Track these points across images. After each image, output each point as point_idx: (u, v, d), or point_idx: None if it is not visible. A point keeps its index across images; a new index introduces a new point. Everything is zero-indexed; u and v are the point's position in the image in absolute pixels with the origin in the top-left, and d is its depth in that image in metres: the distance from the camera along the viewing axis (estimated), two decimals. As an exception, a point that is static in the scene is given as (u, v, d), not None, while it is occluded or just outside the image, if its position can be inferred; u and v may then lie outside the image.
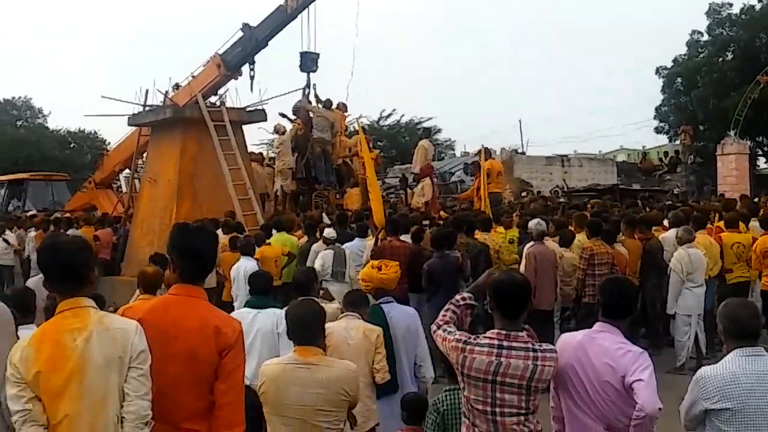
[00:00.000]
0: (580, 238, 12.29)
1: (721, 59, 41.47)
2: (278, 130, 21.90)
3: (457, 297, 4.96)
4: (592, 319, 10.74)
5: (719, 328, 4.75)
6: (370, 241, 13.23)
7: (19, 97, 57.60)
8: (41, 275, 9.44)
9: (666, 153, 35.35)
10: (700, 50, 43.09)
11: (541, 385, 4.53)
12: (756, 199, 21.44)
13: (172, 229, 4.63)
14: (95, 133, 55.89)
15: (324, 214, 17.67)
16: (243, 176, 18.38)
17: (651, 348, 11.58)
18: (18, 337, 4.37)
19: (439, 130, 52.55)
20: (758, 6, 40.89)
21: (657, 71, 44.55)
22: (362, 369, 5.73)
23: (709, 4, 42.34)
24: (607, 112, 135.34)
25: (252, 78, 19.36)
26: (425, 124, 48.35)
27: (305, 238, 14.31)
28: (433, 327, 4.84)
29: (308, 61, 21.04)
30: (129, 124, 21.17)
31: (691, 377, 4.75)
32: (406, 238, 12.67)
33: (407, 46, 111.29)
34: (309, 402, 4.79)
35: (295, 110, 22.43)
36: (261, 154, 24.94)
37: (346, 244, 13.05)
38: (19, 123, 55.86)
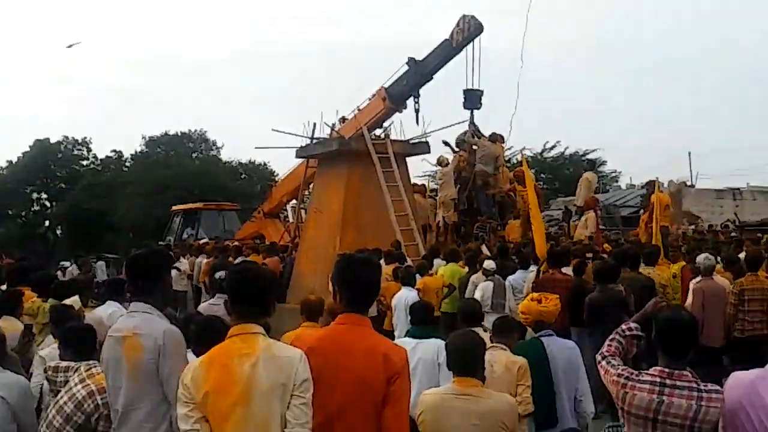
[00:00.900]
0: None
1: None
2: (441, 162, 22.06)
3: (623, 327, 4.88)
4: (742, 353, 10.48)
5: None
6: (531, 274, 13.15)
7: (195, 131, 60.14)
8: (211, 301, 9.84)
9: None
10: None
11: (705, 426, 4.39)
12: None
13: (339, 259, 4.75)
14: (265, 164, 57.65)
15: (483, 246, 17.68)
16: (406, 207, 18.59)
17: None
18: (188, 361, 4.62)
19: (603, 162, 51.71)
20: None
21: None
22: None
23: None
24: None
25: (417, 111, 19.59)
26: (590, 156, 47.65)
27: (465, 269, 14.37)
28: (598, 357, 4.78)
29: (472, 99, 21.16)
30: (297, 156, 21.78)
31: None
32: (568, 270, 12.54)
33: (573, 77, 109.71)
34: (467, 433, 4.82)
35: (459, 142, 22.56)
36: (423, 185, 25.16)
37: (509, 277, 13.01)
38: (194, 155, 58.17)
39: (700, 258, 11.67)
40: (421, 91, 19.60)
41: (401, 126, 20.33)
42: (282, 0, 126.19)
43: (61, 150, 57.14)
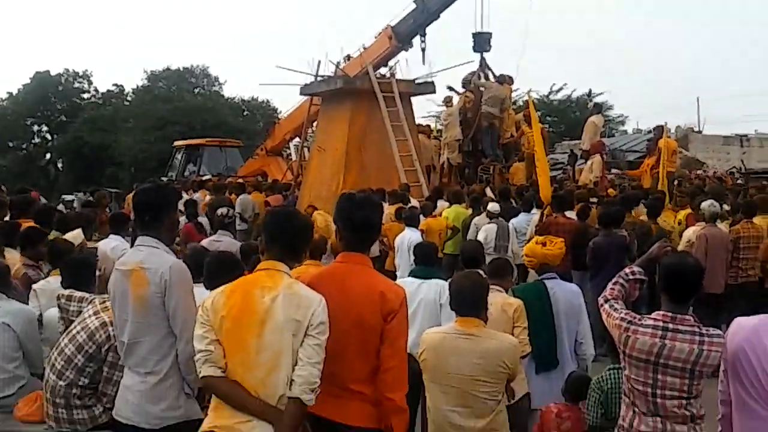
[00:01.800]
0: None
1: None
2: (447, 103, 21.94)
3: (627, 270, 4.87)
4: (736, 299, 10.55)
5: None
6: (534, 217, 13.15)
7: (197, 66, 59.56)
8: (213, 237, 9.84)
9: None
10: None
11: (706, 370, 4.42)
12: None
13: (339, 199, 4.75)
14: (268, 101, 57.27)
15: (488, 188, 17.66)
16: (410, 148, 18.56)
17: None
18: (193, 295, 4.65)
19: (610, 106, 51.41)
20: None
21: None
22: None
23: None
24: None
25: (423, 50, 19.52)
26: (597, 99, 47.30)
27: (469, 211, 14.37)
28: (600, 300, 4.78)
29: (481, 42, 21.03)
30: (301, 94, 21.71)
31: None
32: (571, 214, 12.54)
33: (582, 18, 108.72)
34: (468, 372, 4.84)
35: (465, 83, 22.40)
36: (428, 126, 25.06)
37: (512, 220, 13.02)
38: (196, 90, 57.72)
39: (705, 204, 11.65)
40: (428, 30, 19.46)
41: (407, 66, 20.24)
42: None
43: (61, 82, 56.61)
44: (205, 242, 9.78)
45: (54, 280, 6.83)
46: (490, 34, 20.78)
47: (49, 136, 57.60)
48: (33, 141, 58.02)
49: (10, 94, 57.14)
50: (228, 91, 59.07)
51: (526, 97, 23.83)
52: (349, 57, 20.74)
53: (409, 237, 11.53)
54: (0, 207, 10.27)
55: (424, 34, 19.38)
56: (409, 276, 7.34)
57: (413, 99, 20.36)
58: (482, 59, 21.73)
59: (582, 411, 5.83)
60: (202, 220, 13.55)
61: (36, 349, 6.23)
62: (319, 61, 20.80)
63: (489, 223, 12.76)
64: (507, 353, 4.93)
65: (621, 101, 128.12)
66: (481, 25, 20.41)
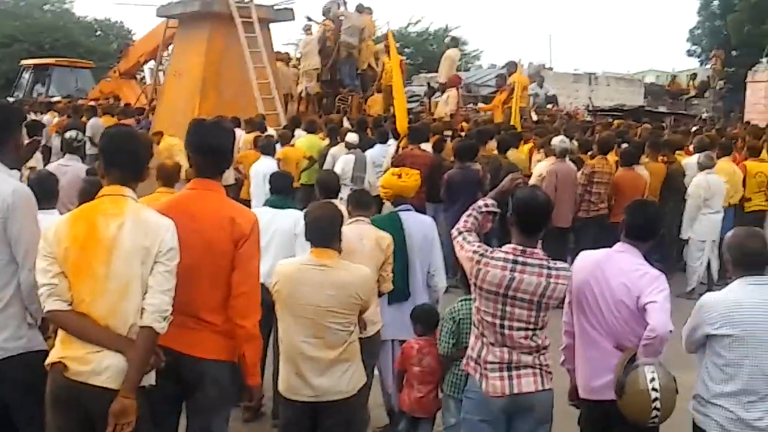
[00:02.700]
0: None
1: (760, -17, 40.46)
2: (307, 31, 21.73)
3: (480, 203, 4.91)
4: (586, 233, 11.00)
5: (725, 257, 4.76)
6: (390, 148, 13.21)
7: (47, -19, 57.05)
8: (61, 161, 9.51)
9: (695, 76, 34.79)
10: (739, -28, 42.03)
11: (552, 302, 4.56)
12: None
13: (189, 124, 4.65)
14: (121, 22, 55.45)
15: (345, 119, 17.64)
16: (268, 75, 18.34)
17: (663, 271, 11.65)
18: (37, 221, 4.44)
19: (466, 42, 51.88)
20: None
21: (693, -8, 43.71)
22: (372, 275, 5.75)
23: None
24: (637, 32, 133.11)
25: (283, -25, 19.14)
26: (453, 33, 47.72)
27: (326, 141, 14.33)
28: (454, 232, 4.82)
29: None
30: (157, 15, 21.06)
31: (699, 302, 4.77)
32: (427, 147, 12.66)
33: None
34: (321, 303, 4.83)
35: (325, 12, 22.20)
36: (287, 53, 24.76)
37: (368, 151, 13.04)
38: (45, 7, 55.33)
39: (556, 140, 11.94)
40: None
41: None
42: None
43: None
44: (52, 166, 9.43)
45: None
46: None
47: None
48: None
49: None
50: (80, 10, 56.89)
51: (386, 29, 23.77)
52: (207, -22, 20.23)
53: (264, 166, 11.39)
54: None
55: (284, -42, 19.06)
56: (264, 206, 7.26)
57: (272, 26, 20.03)
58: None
59: (439, 344, 5.95)
60: (55, 142, 13.02)
61: None
62: (177, -19, 20.25)
63: (347, 154, 12.75)
64: (360, 285, 4.94)
65: (477, 36, 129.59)
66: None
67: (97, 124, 16.96)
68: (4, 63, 41.30)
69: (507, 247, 4.58)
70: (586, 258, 4.95)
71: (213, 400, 4.40)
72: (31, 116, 19.18)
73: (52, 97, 25.98)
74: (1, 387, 4.42)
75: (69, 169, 8.78)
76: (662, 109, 29.29)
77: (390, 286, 6.13)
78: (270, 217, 6.68)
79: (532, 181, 11.51)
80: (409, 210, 6.82)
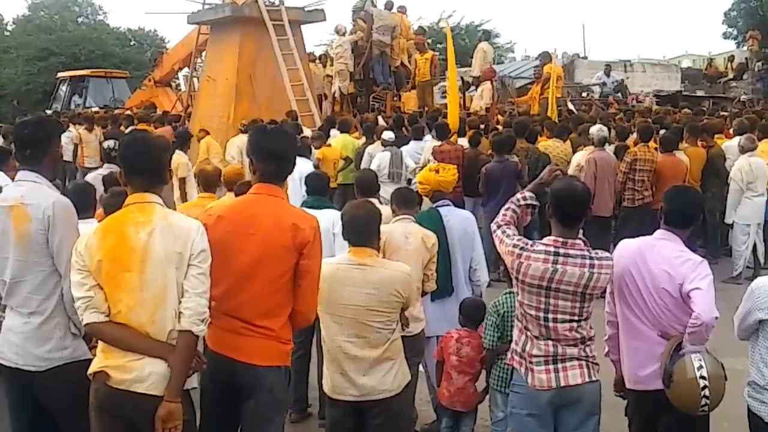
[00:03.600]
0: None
1: (796, -39, 39.81)
2: (339, 31, 21.75)
3: (518, 196, 4.89)
4: (632, 222, 10.89)
5: None
6: (426, 144, 13.19)
7: (80, -6, 57.55)
8: (99, 171, 9.62)
9: (732, 58, 34.37)
10: (774, -49, 41.38)
11: (596, 292, 4.52)
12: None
13: (251, 131, 4.71)
14: (155, 31, 55.80)
15: (380, 117, 17.64)
16: (301, 77, 18.36)
17: (708, 257, 11.53)
18: (78, 232, 4.47)
19: (498, 34, 51.67)
20: None
21: (728, -26, 43.11)
22: (417, 273, 5.73)
23: None
24: (671, 17, 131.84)
25: (313, -23, 19.17)
26: (485, 26, 47.52)
27: (362, 140, 14.34)
28: (493, 226, 4.80)
29: None
30: (188, 23, 21.20)
31: (747, 287, 4.70)
32: (463, 141, 12.64)
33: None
34: (361, 302, 4.82)
35: (356, 10, 22.21)
36: (323, 54, 24.77)
37: (403, 148, 13.03)
38: (80, 20, 55.84)
39: (593, 129, 11.85)
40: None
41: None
42: None
43: (-64, 11, 54.14)
44: (90, 177, 9.52)
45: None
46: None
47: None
48: None
49: None
50: (113, 21, 57.43)
51: (417, 25, 23.79)
52: (237, -16, 20.33)
53: (299, 168, 11.34)
54: None
55: (313, -39, 19.10)
56: (301, 206, 7.26)
57: (304, 27, 20.08)
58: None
59: (481, 336, 5.94)
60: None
61: None
62: (207, -11, 20.39)
63: (383, 151, 12.75)
64: (400, 282, 4.93)
65: (510, 29, 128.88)
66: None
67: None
68: (41, 76, 41.74)
69: (548, 240, 4.54)
70: (627, 247, 4.89)
71: (268, 408, 4.41)
72: (71, 129, 19.39)
73: (89, 107, 26.19)
74: (47, 397, 4.49)
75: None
76: (700, 93, 28.93)
77: (434, 285, 6.10)
78: (309, 219, 6.67)
79: (571, 170, 11.44)
80: (448, 205, 6.80)
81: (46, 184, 4.55)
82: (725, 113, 19.24)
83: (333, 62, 21.77)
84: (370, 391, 4.91)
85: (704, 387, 4.41)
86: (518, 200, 4.84)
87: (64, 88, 30.03)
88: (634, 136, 12.60)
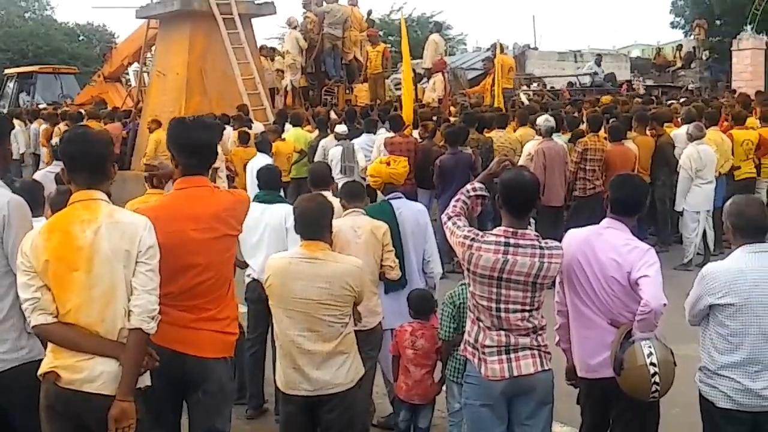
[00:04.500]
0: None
1: (740, -50, 40.31)
2: (291, 23, 21.68)
3: (468, 187, 4.90)
4: (583, 211, 10.98)
5: (725, 225, 4.74)
6: (378, 137, 13.19)
7: (26, -11, 56.77)
8: (48, 169, 9.48)
9: (680, 47, 34.74)
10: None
11: (547, 281, 4.55)
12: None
13: (170, 124, 4.65)
14: (104, 26, 55.28)
15: (332, 110, 17.62)
16: (252, 70, 18.27)
17: (659, 244, 11.71)
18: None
19: (449, 26, 51.76)
20: None
21: (674, -38, 43.52)
22: (369, 266, 5.74)
23: None
24: (620, 7, 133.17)
25: (261, -31, 19.05)
26: (436, 18, 47.58)
27: (315, 133, 14.31)
28: (444, 218, 4.81)
29: None
30: (137, 17, 20.96)
31: (697, 273, 4.76)
32: (416, 133, 12.67)
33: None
34: (313, 296, 4.81)
35: (306, 4, 22.16)
36: (273, 48, 24.65)
37: (354, 140, 13.02)
38: (26, 15, 55.11)
39: (540, 120, 11.93)
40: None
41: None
42: None
43: None
44: (39, 174, 9.40)
45: None
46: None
47: None
48: None
49: None
50: (61, 16, 56.70)
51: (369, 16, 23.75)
52: (185, -23, 20.17)
53: (260, 163, 11.29)
54: None
55: (261, -47, 18.98)
56: (253, 201, 7.22)
57: (255, 20, 19.97)
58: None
59: (435, 327, 5.95)
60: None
61: None
62: (155, -19, 20.17)
63: (336, 144, 12.73)
64: (352, 275, 4.92)
65: (461, 20, 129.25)
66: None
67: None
68: (-12, 73, 41.29)
69: (498, 230, 4.56)
70: (575, 236, 4.93)
71: (217, 399, 4.44)
72: (18, 126, 19.11)
73: (38, 104, 25.83)
74: (3, 398, 4.40)
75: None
76: (649, 82, 29.25)
77: (398, 272, 6.15)
78: (260, 213, 6.67)
79: (522, 161, 11.50)
80: (400, 198, 6.80)
81: None
82: (674, 102, 19.44)
83: (283, 56, 21.72)
84: (323, 385, 4.89)
85: (654, 374, 4.47)
86: (468, 191, 4.85)
87: (11, 85, 29.58)
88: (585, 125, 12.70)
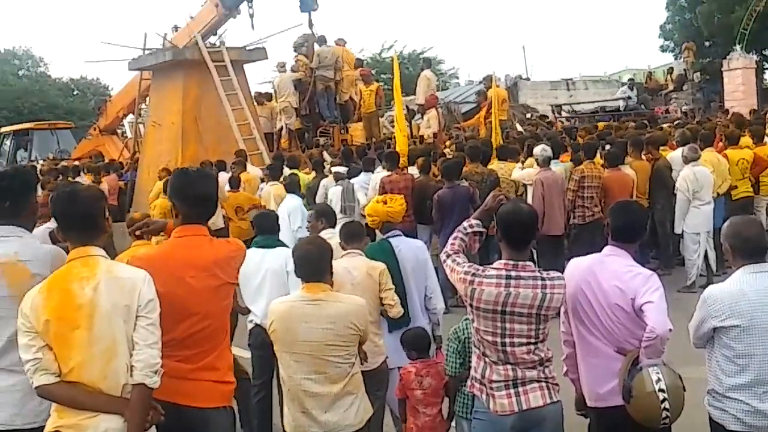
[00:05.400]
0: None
1: (725, -27, 40.69)
2: (281, 68, 21.82)
3: (465, 224, 4.91)
4: (584, 239, 10.94)
5: (724, 247, 4.74)
6: (375, 176, 13.20)
7: (20, 47, 57.25)
8: (47, 225, 9.44)
9: (671, 70, 34.93)
10: (704, -35, 42.30)
11: (551, 312, 4.52)
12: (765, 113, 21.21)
13: (172, 175, 4.73)
14: (97, 79, 55.80)
15: (324, 152, 17.65)
16: (246, 116, 18.36)
17: (661, 268, 11.66)
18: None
19: (441, 61, 52.13)
20: None
21: (660, -13, 43.91)
22: (368, 307, 5.73)
23: None
24: (610, 34, 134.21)
25: (251, 16, 19.22)
26: (427, 54, 47.91)
27: (313, 175, 14.33)
28: (443, 256, 4.81)
29: (308, 1, 20.85)
30: (129, 69, 21.12)
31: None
32: (413, 170, 12.66)
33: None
34: (318, 338, 4.79)
35: (296, 47, 22.29)
36: (269, 93, 24.76)
37: (353, 180, 13.04)
38: (20, 73, 55.51)
39: (537, 150, 11.92)
40: (255, -5, 19.17)
41: (237, 33, 20.00)
42: None
43: None
44: (39, 230, 9.35)
45: None
46: (316, -7, 20.72)
47: None
48: None
49: None
50: (55, 72, 57.09)
51: (362, 56, 23.92)
52: (176, 28, 20.33)
53: (287, 204, 11.33)
54: None
55: (251, 0, 19.10)
56: (252, 247, 7.21)
57: (246, 66, 20.09)
58: (310, 18, 21.71)
59: (439, 364, 5.90)
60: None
61: None
62: (146, 34, 20.43)
63: (336, 185, 12.75)
64: (356, 314, 4.91)
65: (452, 55, 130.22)
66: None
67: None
68: (-15, 132, 41.47)
69: (498, 264, 4.55)
70: (577, 265, 4.92)
71: None
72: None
73: (34, 161, 25.91)
74: None
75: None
76: (642, 106, 29.41)
77: (400, 309, 6.13)
78: (260, 258, 6.68)
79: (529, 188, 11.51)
80: (398, 236, 6.80)
81: (30, 236, 4.48)
82: (666, 125, 19.51)
83: (276, 100, 21.85)
84: (333, 427, 4.87)
85: (664, 399, 4.44)
86: (465, 228, 4.86)
87: (8, 142, 29.66)
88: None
